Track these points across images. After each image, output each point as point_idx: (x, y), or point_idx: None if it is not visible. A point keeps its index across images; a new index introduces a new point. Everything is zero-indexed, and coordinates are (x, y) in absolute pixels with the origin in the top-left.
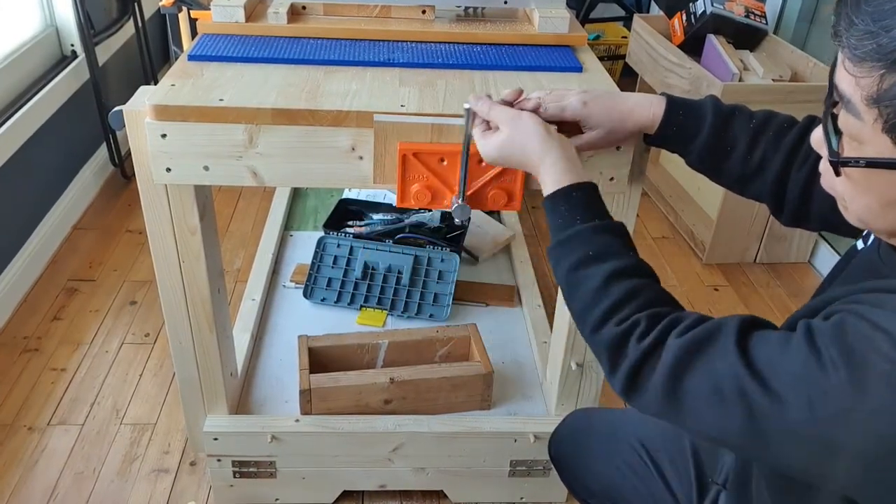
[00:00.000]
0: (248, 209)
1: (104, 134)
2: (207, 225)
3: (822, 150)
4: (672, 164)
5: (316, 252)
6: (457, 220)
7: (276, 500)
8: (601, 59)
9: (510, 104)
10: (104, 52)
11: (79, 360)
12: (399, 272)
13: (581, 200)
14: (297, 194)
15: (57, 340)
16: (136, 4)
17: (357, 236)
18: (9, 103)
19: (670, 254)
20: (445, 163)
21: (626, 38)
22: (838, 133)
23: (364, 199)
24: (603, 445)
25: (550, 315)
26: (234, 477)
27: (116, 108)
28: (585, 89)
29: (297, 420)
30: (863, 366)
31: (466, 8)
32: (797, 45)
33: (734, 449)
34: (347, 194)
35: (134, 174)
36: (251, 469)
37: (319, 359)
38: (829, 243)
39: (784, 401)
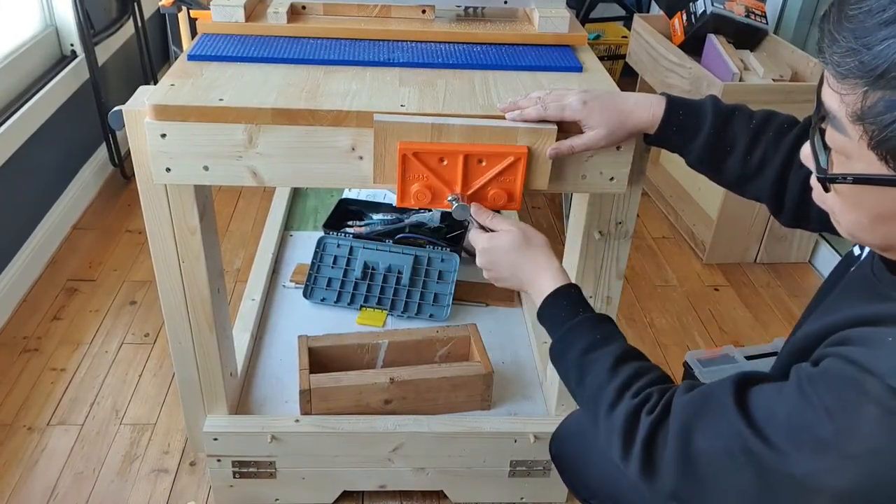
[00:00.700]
0: (248, 209)
1: (104, 134)
2: (207, 225)
3: (811, 165)
4: (672, 164)
5: (316, 252)
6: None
7: (276, 500)
8: (601, 58)
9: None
10: (104, 52)
11: (79, 360)
12: (399, 272)
13: (579, 297)
14: (297, 194)
15: (57, 340)
16: (135, 4)
17: (357, 236)
18: (8, 103)
19: (670, 254)
20: (445, 163)
21: (626, 37)
22: (827, 149)
23: (364, 199)
24: None
25: None
26: (234, 477)
27: (116, 108)
28: (585, 89)
29: (297, 420)
30: (854, 412)
31: (466, 8)
32: (797, 45)
33: None
34: (347, 194)
35: (134, 174)
36: (251, 469)
37: (319, 359)
38: (830, 243)
39: (788, 454)
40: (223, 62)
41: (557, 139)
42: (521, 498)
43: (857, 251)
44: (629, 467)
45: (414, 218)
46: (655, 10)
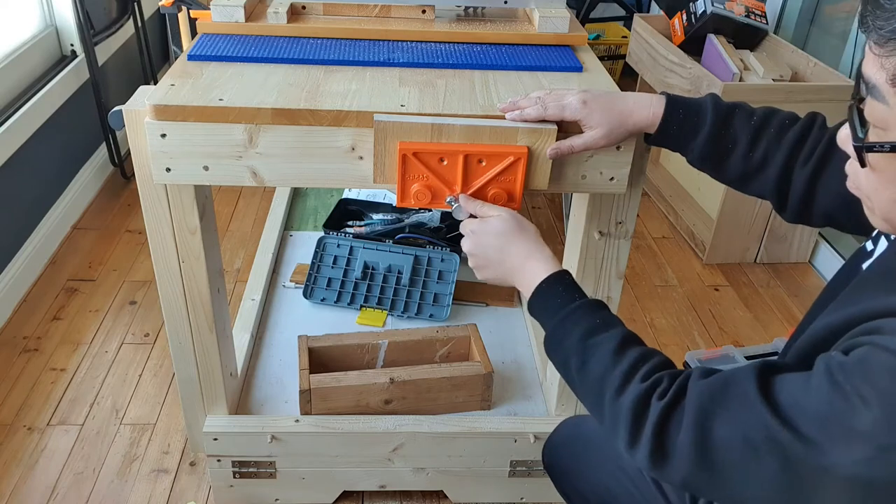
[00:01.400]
0: (248, 209)
1: (104, 134)
2: (207, 225)
3: (848, 147)
4: (672, 164)
5: (316, 252)
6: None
7: (276, 500)
8: (601, 58)
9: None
10: (104, 52)
11: (78, 360)
12: (399, 272)
13: (573, 283)
14: (297, 194)
15: (57, 340)
16: (135, 4)
17: (357, 236)
18: (8, 103)
19: (670, 254)
20: (445, 162)
21: (626, 37)
22: (864, 125)
23: (364, 199)
24: (597, 452)
25: None
26: (234, 477)
27: (116, 108)
28: (585, 89)
29: (297, 420)
30: (892, 401)
31: (466, 8)
32: (797, 45)
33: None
34: (347, 194)
35: (134, 174)
36: (251, 469)
37: (319, 359)
38: (830, 243)
39: (818, 444)
40: (223, 62)
41: (557, 139)
42: (521, 498)
43: (869, 246)
44: (637, 454)
45: (414, 218)
46: (655, 10)
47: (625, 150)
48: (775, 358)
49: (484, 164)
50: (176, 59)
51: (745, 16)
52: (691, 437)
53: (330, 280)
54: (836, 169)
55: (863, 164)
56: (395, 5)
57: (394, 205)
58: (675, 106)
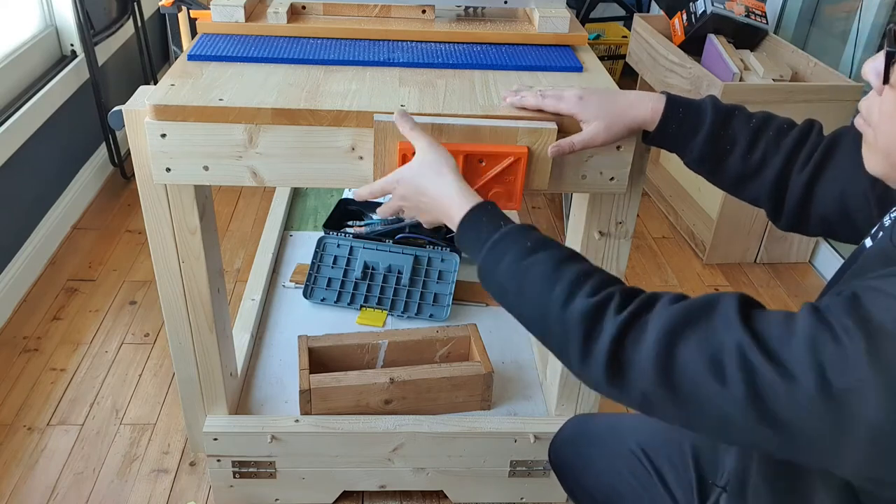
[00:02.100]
0: (248, 209)
1: (104, 134)
2: (207, 225)
3: (871, 77)
4: (672, 164)
5: (316, 252)
6: None
7: (276, 500)
8: (601, 58)
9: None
10: (104, 52)
11: (78, 360)
12: (399, 272)
13: (497, 212)
14: (297, 194)
15: (57, 340)
16: (135, 4)
17: (357, 236)
18: (8, 103)
19: (670, 254)
20: None
21: (626, 37)
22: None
23: None
24: (603, 451)
25: None
26: (234, 477)
27: (116, 108)
28: (584, 87)
29: (297, 420)
30: (881, 334)
31: (466, 8)
32: (798, 45)
33: (737, 436)
34: (347, 194)
35: (134, 174)
36: (251, 469)
37: (319, 359)
38: (830, 244)
39: (793, 372)
40: (223, 62)
41: (557, 139)
42: (521, 498)
43: (868, 243)
44: (591, 370)
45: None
46: (655, 10)
47: (625, 149)
48: None
49: (484, 164)
50: (176, 59)
51: (745, 16)
52: (654, 354)
53: (330, 280)
54: (834, 174)
55: (886, 79)
56: (395, 5)
57: None
58: (675, 105)
